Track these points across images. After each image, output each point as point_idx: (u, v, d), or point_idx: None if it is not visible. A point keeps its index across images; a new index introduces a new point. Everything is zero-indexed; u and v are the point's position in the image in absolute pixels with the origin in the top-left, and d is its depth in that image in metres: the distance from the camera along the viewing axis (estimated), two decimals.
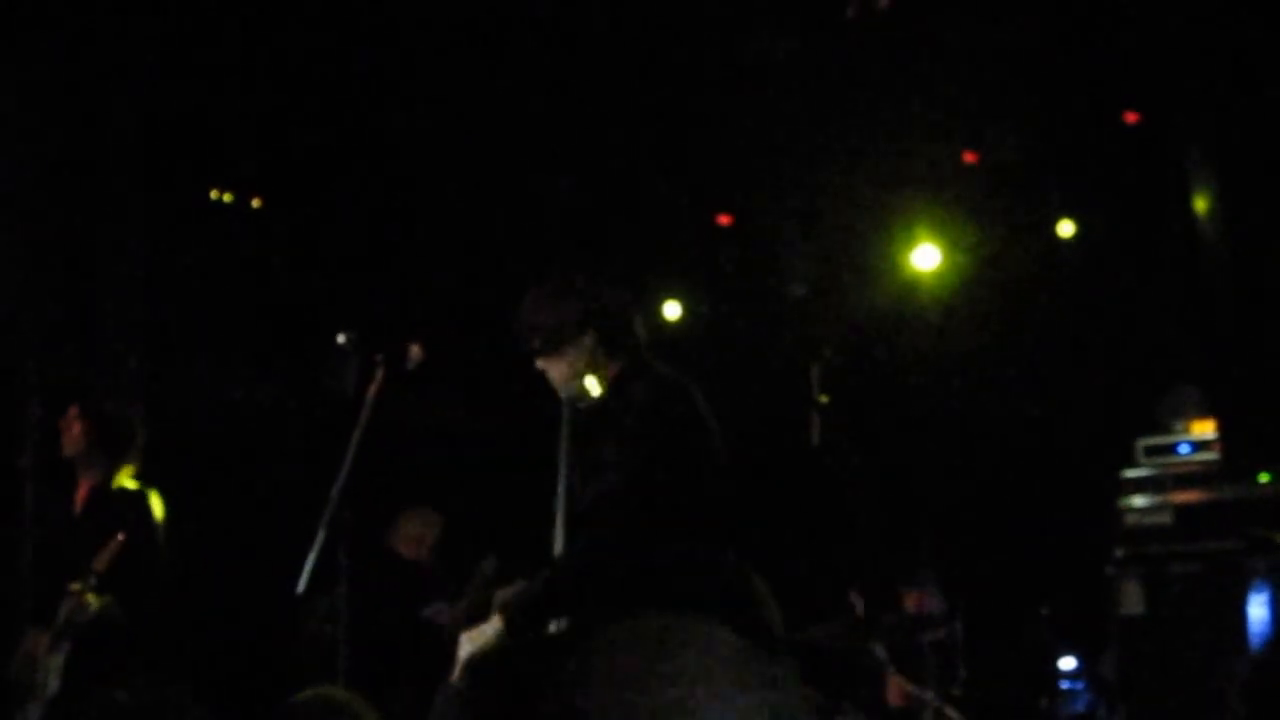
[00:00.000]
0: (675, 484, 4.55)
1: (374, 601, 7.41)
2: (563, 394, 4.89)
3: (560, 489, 4.73)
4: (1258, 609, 7.00)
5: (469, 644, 4.60)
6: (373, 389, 5.34)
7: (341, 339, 5.51)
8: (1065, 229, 8.77)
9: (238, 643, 8.40)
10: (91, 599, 6.61)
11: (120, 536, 6.65)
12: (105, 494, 6.84)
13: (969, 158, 8.66)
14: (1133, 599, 7.25)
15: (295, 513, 5.76)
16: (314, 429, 7.85)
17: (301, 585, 5.03)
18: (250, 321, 9.30)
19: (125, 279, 8.84)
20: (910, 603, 7.93)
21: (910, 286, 9.30)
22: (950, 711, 7.19)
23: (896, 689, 7.26)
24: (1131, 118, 8.13)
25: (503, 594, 4.77)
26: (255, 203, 9.51)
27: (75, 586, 6.67)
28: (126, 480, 6.95)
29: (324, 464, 5.57)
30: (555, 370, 4.86)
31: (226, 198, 9.43)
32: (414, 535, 8.13)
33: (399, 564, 8.09)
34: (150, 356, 8.83)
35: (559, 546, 4.68)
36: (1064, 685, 8.19)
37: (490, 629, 4.56)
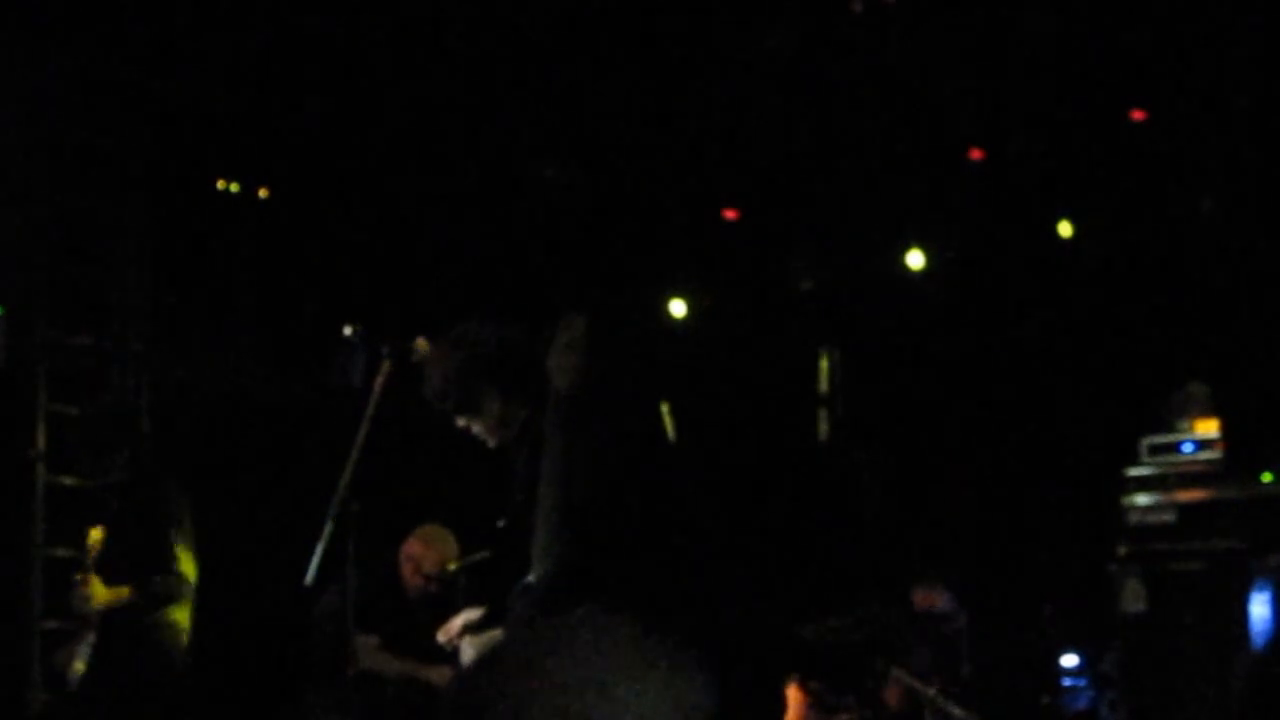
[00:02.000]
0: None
1: (381, 593, 7.45)
2: (492, 444, 4.94)
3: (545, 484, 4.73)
4: (1260, 608, 7.01)
5: (471, 649, 4.66)
6: (379, 381, 5.36)
7: (348, 332, 5.54)
8: (1070, 225, 8.78)
9: (247, 634, 8.42)
10: (97, 590, 6.66)
11: (97, 531, 6.72)
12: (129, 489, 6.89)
13: (975, 154, 8.67)
14: (1135, 597, 7.25)
15: (303, 505, 5.78)
16: (320, 421, 7.87)
17: (309, 577, 5.05)
18: (257, 313, 9.32)
19: (132, 269, 8.86)
20: (917, 599, 7.96)
21: (916, 282, 9.32)
22: (952, 707, 7.21)
23: (896, 689, 7.29)
24: (1138, 115, 8.13)
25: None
26: (262, 193, 9.52)
27: (77, 576, 6.74)
28: None
29: (331, 457, 5.59)
30: (476, 426, 4.91)
31: (233, 188, 9.44)
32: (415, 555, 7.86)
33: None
34: (157, 347, 8.85)
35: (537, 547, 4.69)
36: (1066, 682, 8.21)
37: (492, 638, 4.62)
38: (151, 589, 6.66)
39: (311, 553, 5.06)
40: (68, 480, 8.38)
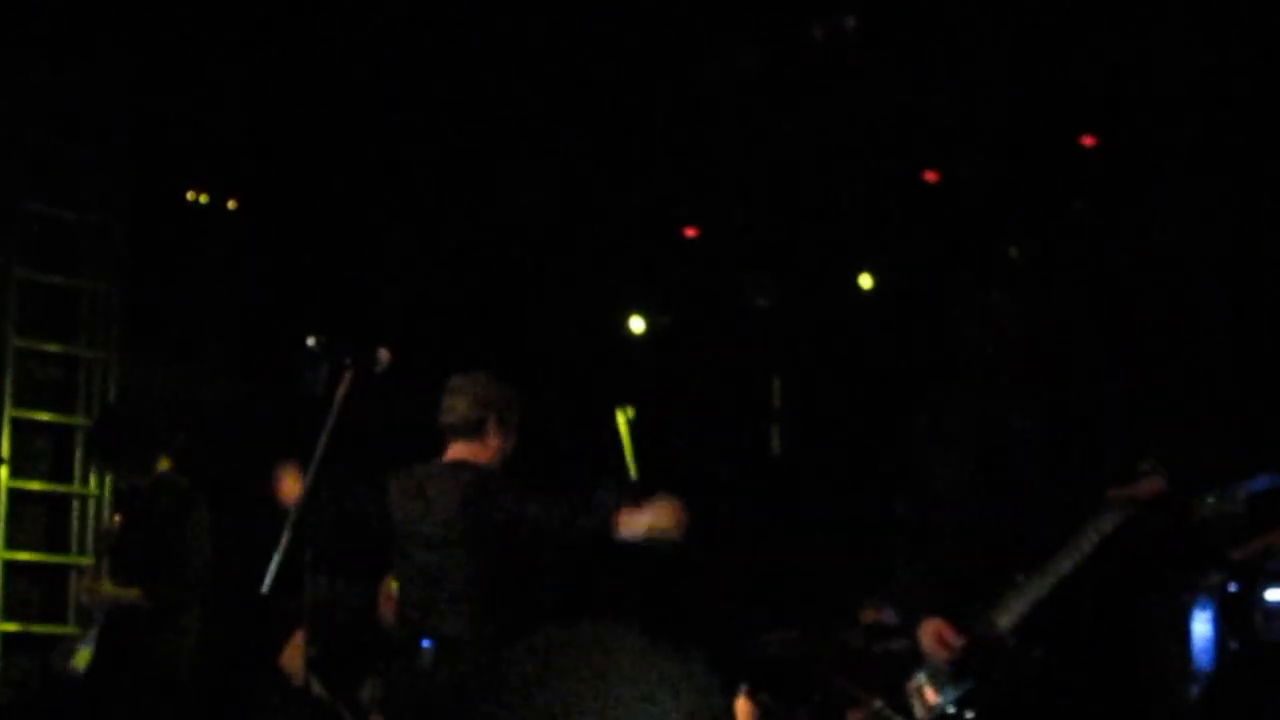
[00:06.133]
0: None
1: (337, 599, 7.52)
2: None
3: None
4: (1201, 626, 7.09)
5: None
6: (341, 392, 5.43)
7: (311, 342, 5.60)
8: (1018, 249, 8.86)
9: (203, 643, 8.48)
10: (105, 587, 6.73)
11: (117, 517, 6.79)
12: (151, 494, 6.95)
13: (930, 176, 8.75)
14: None
15: (262, 513, 5.85)
16: (283, 431, 7.95)
17: (266, 585, 5.11)
18: (223, 322, 9.39)
19: (102, 278, 8.93)
20: (865, 613, 8.01)
21: (871, 301, 9.39)
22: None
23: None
24: (1088, 140, 8.21)
25: None
26: (231, 205, 9.59)
27: (87, 571, 6.82)
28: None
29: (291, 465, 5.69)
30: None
31: (203, 199, 9.51)
32: None
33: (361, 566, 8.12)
34: (125, 355, 8.92)
35: None
36: None
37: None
38: (158, 593, 6.69)
39: (268, 561, 5.13)
40: (33, 485, 8.47)
